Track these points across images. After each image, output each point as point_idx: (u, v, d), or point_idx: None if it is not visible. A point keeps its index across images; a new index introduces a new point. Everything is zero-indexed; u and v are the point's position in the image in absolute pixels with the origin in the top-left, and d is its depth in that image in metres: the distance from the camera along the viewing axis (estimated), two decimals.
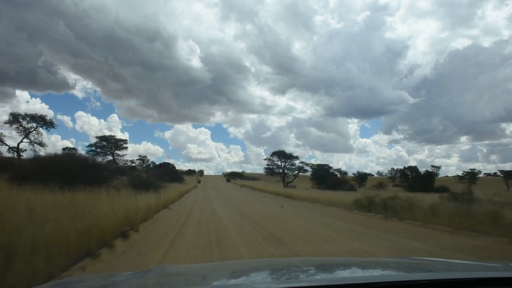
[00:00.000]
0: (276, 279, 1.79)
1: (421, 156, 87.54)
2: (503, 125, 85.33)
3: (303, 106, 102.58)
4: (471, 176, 58.10)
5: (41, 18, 61.66)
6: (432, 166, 69.09)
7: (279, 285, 1.48)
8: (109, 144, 52.46)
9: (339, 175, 64.59)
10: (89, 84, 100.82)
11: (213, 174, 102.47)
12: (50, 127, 42.54)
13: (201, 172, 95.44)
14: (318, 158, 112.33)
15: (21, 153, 40.02)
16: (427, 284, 1.33)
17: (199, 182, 58.38)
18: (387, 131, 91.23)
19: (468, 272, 1.60)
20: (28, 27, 60.27)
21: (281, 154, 61.24)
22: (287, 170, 59.95)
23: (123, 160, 54.15)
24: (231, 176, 78.35)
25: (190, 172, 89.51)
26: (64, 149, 50.24)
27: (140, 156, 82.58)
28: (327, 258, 3.93)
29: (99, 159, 41.38)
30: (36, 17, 60.44)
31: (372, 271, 1.92)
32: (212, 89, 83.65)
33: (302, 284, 1.45)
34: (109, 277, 1.91)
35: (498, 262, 2.15)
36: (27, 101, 77.60)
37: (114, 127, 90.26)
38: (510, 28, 76.27)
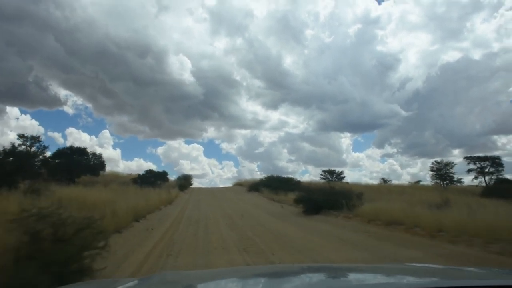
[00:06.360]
0: (273, 285, 1.80)
1: (414, 170, 79.99)
2: (494, 137, 79.01)
3: (296, 121, 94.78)
4: None
5: (31, 33, 52.96)
6: None
7: None
8: None
9: None
10: (79, 100, 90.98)
11: (209, 186, 57.96)
12: None
13: (183, 181, 37.49)
14: (311, 173, 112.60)
15: None
16: None
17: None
18: (380, 145, 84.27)
19: (464, 280, 1.63)
20: (17, 41, 52.83)
21: None
22: None
23: None
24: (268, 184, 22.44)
25: (154, 180, 31.70)
26: None
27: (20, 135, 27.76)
28: (329, 265, 3.92)
29: None
30: (26, 31, 51.70)
31: (374, 277, 1.89)
32: (204, 104, 75.58)
33: None
34: (108, 284, 2.03)
35: (497, 269, 2.11)
36: (16, 118, 67.46)
37: (105, 143, 76.87)
38: (499, 41, 69.16)
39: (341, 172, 52.87)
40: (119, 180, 34.06)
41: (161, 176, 35.31)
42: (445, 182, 45.51)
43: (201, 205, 20.84)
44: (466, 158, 43.06)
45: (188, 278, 2.09)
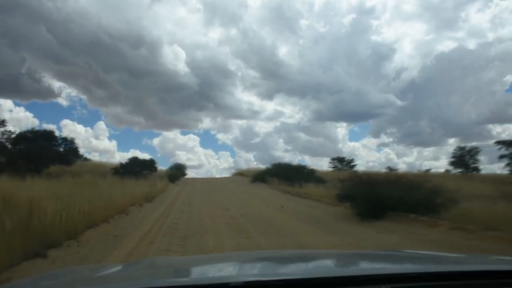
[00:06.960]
0: (268, 271, 1.75)
1: (410, 159, 76.61)
2: (489, 126, 75.13)
3: (291, 111, 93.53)
4: None
5: (23, 24, 51.89)
6: None
7: (270, 277, 1.37)
8: None
9: None
10: (74, 92, 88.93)
11: (206, 176, 53.17)
12: None
13: (174, 171, 32.20)
14: (307, 163, 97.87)
15: None
16: (418, 276, 1.31)
17: None
18: (376, 135, 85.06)
19: (460, 265, 1.65)
20: (9, 32, 51.59)
21: None
22: None
23: None
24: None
25: (140, 169, 26.16)
26: None
27: None
28: (319, 251, 3.83)
29: None
30: (17, 22, 49.95)
31: (364, 264, 1.88)
32: (199, 94, 72.72)
33: (294, 277, 1.34)
34: (97, 269, 1.94)
35: (487, 254, 2.07)
36: (10, 110, 61.63)
37: (101, 135, 74.62)
38: (494, 31, 71.27)
39: (352, 160, 47.85)
40: (99, 170, 28.66)
41: (147, 165, 29.81)
42: (469, 170, 40.79)
43: (194, 203, 15.34)
44: (498, 142, 37.95)
45: (180, 263, 2.09)
